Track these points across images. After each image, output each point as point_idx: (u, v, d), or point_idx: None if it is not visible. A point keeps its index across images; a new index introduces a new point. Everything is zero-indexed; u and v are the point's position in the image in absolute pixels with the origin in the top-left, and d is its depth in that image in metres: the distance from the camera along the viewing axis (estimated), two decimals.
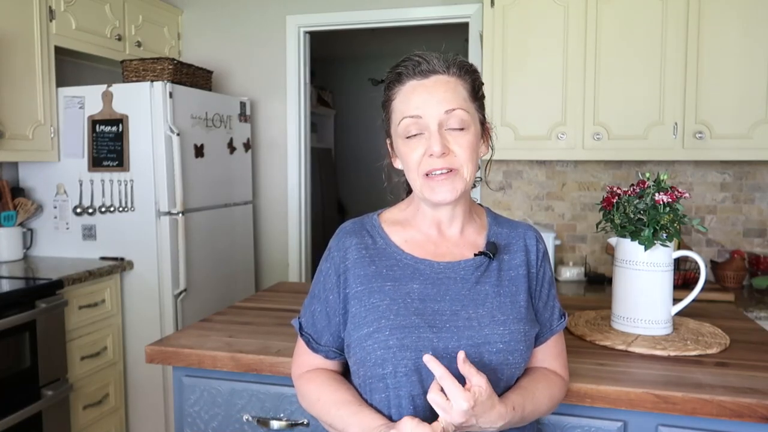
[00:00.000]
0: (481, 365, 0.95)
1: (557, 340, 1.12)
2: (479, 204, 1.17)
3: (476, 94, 1.04)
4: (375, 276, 1.02)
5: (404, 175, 1.11)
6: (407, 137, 1.01)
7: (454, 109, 0.99)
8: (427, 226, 1.08)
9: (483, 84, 1.07)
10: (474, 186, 1.07)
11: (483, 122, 1.06)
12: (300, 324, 1.12)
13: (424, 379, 0.95)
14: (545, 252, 1.11)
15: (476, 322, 0.98)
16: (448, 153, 0.98)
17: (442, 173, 0.99)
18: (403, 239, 1.07)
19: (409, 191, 1.15)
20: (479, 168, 1.09)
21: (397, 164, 1.09)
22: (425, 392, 0.94)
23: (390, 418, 0.97)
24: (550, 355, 1.11)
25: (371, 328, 0.98)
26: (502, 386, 0.99)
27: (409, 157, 1.01)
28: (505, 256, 1.07)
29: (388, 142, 1.10)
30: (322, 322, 1.07)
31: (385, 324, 0.97)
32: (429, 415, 0.95)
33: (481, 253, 1.05)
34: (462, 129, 0.99)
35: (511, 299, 1.03)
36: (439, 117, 0.98)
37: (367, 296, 1.01)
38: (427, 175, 1.00)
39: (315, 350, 1.08)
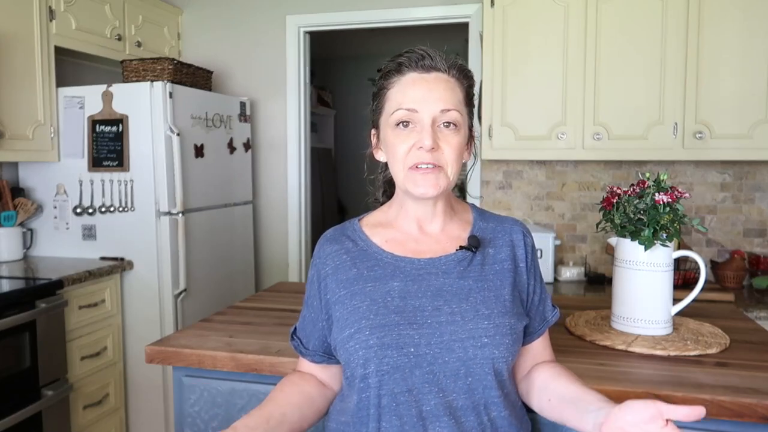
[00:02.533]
0: (466, 360, 0.96)
1: (547, 331, 1.14)
2: (464, 201, 1.17)
3: (469, 100, 1.07)
4: (356, 279, 1.04)
5: (384, 170, 1.13)
6: (398, 128, 1.02)
7: (449, 110, 1.00)
8: (408, 224, 1.08)
9: (475, 95, 1.09)
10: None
11: (470, 129, 1.07)
12: (295, 328, 1.15)
13: (407, 376, 0.95)
14: (533, 246, 1.12)
15: (460, 316, 0.98)
16: (437, 149, 0.99)
17: (427, 167, 0.99)
18: (383, 239, 1.08)
19: (386, 192, 1.18)
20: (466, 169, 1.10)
21: (380, 156, 1.11)
22: (408, 390, 0.95)
23: (370, 416, 0.98)
24: (547, 345, 1.13)
25: (352, 330, 0.99)
26: (489, 381, 0.97)
27: (398, 148, 1.01)
28: (490, 250, 1.07)
29: (373, 132, 1.11)
30: (308, 326, 1.11)
31: (365, 324, 0.98)
32: (414, 413, 0.95)
33: (462, 248, 1.05)
34: (453, 129, 1.01)
35: (495, 293, 1.02)
36: (434, 114, 0.99)
37: (349, 299, 1.02)
38: (412, 167, 1.00)
39: (303, 354, 1.12)
